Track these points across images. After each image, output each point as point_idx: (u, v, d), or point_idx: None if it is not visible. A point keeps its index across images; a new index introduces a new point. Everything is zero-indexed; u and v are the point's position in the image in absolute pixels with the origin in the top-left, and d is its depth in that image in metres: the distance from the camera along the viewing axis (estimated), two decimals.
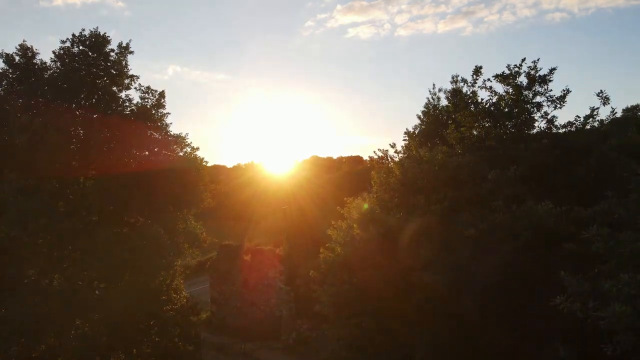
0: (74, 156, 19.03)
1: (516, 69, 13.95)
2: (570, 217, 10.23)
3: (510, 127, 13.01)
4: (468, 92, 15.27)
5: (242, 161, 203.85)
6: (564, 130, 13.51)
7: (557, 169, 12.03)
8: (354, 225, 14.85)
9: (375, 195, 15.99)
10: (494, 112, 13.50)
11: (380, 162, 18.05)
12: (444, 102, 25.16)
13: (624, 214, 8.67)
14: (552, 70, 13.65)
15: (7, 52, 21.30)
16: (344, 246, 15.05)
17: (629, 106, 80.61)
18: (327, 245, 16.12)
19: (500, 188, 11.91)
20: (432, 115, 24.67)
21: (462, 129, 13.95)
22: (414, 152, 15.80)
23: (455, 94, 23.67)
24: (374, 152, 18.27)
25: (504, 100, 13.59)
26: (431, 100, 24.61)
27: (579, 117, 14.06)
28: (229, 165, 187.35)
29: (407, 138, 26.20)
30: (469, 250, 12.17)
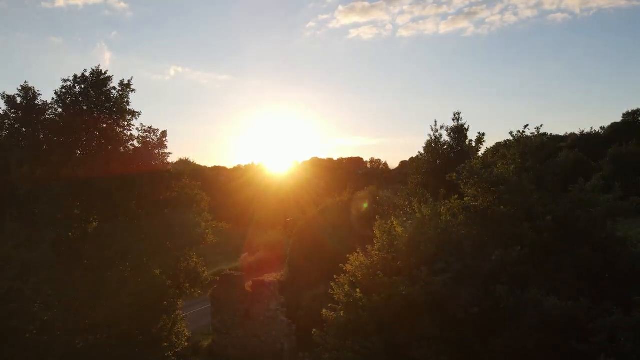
0: (75, 203, 18.96)
1: (520, 135, 13.86)
2: (575, 310, 10.19)
3: (514, 202, 12.92)
4: (471, 156, 15.14)
5: (243, 162, 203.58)
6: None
7: (561, 250, 11.98)
8: (357, 290, 14.79)
9: (377, 253, 15.92)
10: (498, 182, 13.42)
11: (383, 212, 17.96)
12: (445, 137, 25.30)
13: (631, 337, 8.65)
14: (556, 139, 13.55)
15: (9, 93, 21.46)
16: (346, 309, 15.00)
17: (629, 111, 79.73)
18: (329, 305, 16.08)
19: (505, 267, 11.86)
20: (434, 149, 24.73)
21: (465, 198, 13.91)
22: (416, 212, 15.72)
23: (457, 133, 23.68)
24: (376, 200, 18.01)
25: (508, 170, 13.54)
26: (433, 137, 24.68)
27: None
28: (230, 166, 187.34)
29: (409, 169, 26.21)
30: (472, 327, 12.14)
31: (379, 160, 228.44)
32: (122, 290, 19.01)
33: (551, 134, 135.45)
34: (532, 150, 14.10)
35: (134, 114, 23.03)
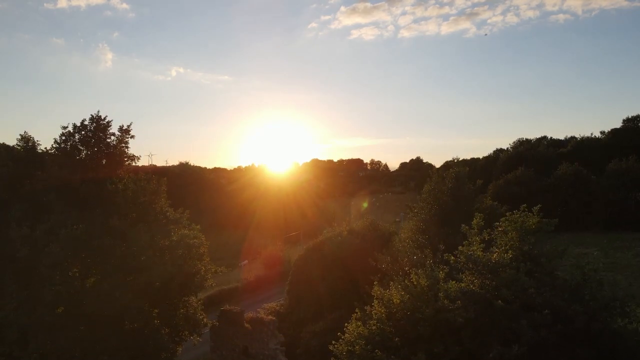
0: (74, 263, 18.97)
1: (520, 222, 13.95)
2: None
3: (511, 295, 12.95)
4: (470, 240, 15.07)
5: (243, 164, 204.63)
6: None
7: (559, 347, 12.03)
8: None
9: (375, 323, 15.95)
10: (495, 270, 13.46)
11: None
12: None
13: None
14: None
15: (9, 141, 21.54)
16: None
17: (630, 117, 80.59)
18: None
19: None
20: (434, 196, 24.78)
21: (462, 284, 13.94)
22: (414, 281, 15.73)
23: (457, 180, 23.62)
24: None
25: (506, 258, 13.60)
26: (433, 184, 24.74)
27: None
28: (230, 168, 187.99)
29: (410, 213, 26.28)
30: None
31: (379, 162, 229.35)
32: (121, 346, 19.14)
33: (551, 137, 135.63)
34: (530, 233, 14.16)
35: (133, 158, 23.11)
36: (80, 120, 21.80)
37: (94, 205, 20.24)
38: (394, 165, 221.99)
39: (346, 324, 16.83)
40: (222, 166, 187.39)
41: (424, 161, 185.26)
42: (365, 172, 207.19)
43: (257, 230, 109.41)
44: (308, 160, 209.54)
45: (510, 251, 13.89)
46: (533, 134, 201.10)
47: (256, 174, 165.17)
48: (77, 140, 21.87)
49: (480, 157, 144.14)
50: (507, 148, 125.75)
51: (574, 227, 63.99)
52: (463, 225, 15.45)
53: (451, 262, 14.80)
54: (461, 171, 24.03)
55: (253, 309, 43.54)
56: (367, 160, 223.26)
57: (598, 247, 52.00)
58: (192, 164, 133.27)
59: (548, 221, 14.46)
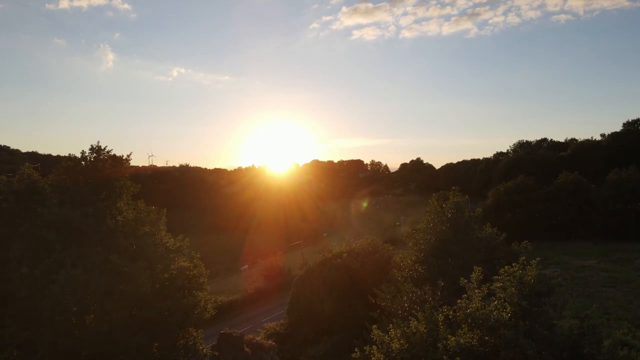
0: (74, 302, 18.99)
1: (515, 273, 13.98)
2: None
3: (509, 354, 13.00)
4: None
5: (244, 164, 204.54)
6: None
7: None
8: None
9: None
10: (494, 329, 13.50)
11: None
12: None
13: None
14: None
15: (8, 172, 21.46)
16: None
17: (630, 120, 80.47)
18: None
19: None
20: (434, 227, 24.81)
21: (461, 340, 13.97)
22: (413, 328, 15.77)
23: (457, 210, 23.65)
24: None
25: (504, 317, 13.63)
26: (433, 214, 24.81)
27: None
28: (230, 168, 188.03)
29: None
30: None
31: (379, 163, 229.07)
32: None
33: (551, 139, 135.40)
34: (529, 286, 14.19)
35: (131, 189, 23.12)
36: (80, 152, 21.94)
37: (94, 241, 20.25)
38: (394, 166, 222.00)
39: None
40: (222, 167, 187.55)
41: (425, 162, 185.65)
42: (366, 173, 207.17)
43: (258, 231, 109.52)
44: (308, 161, 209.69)
45: (509, 307, 13.94)
46: (533, 135, 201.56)
47: (256, 175, 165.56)
48: (77, 172, 21.92)
49: (481, 157, 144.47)
50: (508, 151, 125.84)
51: (574, 237, 64.18)
52: (462, 278, 15.47)
53: (450, 316, 14.83)
54: (460, 201, 24.07)
55: (252, 323, 43.82)
56: (367, 161, 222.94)
57: (597, 259, 51.86)
58: (192, 165, 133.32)
59: (547, 275, 14.48)
